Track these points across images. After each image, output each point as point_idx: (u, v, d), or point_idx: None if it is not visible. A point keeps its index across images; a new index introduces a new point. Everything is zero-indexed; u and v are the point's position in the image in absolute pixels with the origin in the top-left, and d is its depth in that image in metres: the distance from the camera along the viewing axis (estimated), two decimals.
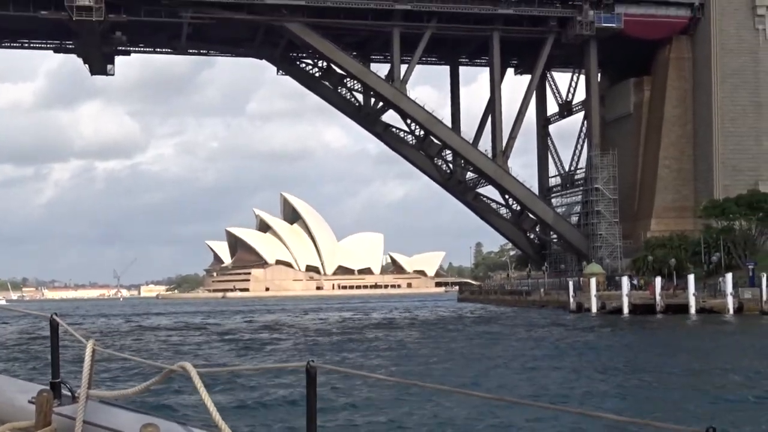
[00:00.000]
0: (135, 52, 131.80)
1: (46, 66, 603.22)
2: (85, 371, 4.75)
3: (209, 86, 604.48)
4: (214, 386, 29.11)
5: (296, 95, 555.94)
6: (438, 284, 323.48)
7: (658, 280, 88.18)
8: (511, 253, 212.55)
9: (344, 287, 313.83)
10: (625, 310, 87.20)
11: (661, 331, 65.85)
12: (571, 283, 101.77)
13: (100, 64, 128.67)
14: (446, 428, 23.20)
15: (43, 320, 5.17)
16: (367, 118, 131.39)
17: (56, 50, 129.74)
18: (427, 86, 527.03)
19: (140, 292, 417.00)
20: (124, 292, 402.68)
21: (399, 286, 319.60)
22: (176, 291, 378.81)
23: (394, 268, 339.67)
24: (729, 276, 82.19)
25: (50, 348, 5.07)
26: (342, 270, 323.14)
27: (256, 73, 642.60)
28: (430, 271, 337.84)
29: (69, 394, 4.90)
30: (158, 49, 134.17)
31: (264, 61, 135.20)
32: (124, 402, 4.85)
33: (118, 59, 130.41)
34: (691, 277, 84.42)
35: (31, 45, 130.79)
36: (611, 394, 30.14)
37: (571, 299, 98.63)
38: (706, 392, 29.78)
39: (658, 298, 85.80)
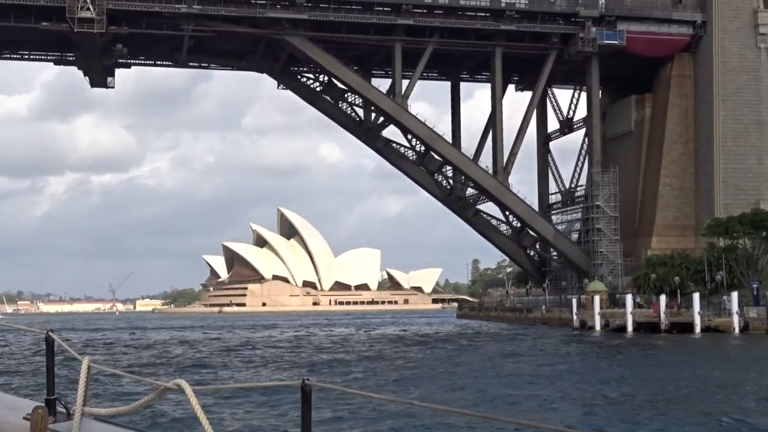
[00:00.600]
0: (135, 64, 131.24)
1: (42, 78, 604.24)
2: (80, 388, 4.67)
3: (205, 100, 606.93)
4: (210, 403, 28.66)
5: (292, 109, 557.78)
6: (435, 300, 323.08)
7: (663, 298, 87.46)
8: (509, 269, 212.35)
9: (341, 303, 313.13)
10: (629, 328, 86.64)
11: (675, 350, 64.63)
12: (574, 301, 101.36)
13: (100, 77, 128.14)
14: None
15: (40, 335, 5.06)
16: (368, 133, 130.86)
17: (56, 62, 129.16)
18: (423, 102, 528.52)
19: (136, 306, 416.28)
20: (120, 306, 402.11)
21: (396, 302, 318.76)
22: (172, 305, 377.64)
23: (391, 284, 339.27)
24: (735, 295, 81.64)
25: (45, 364, 5.03)
26: (339, 286, 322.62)
27: (252, 87, 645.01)
28: (427, 288, 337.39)
29: (64, 411, 4.82)
30: (159, 62, 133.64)
31: (260, 75, 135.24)
32: (120, 419, 4.81)
33: (116, 72, 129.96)
34: (696, 296, 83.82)
35: (32, 57, 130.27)
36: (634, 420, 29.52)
37: (575, 317, 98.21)
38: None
39: (662, 316, 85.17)
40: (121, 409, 4.77)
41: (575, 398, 34.38)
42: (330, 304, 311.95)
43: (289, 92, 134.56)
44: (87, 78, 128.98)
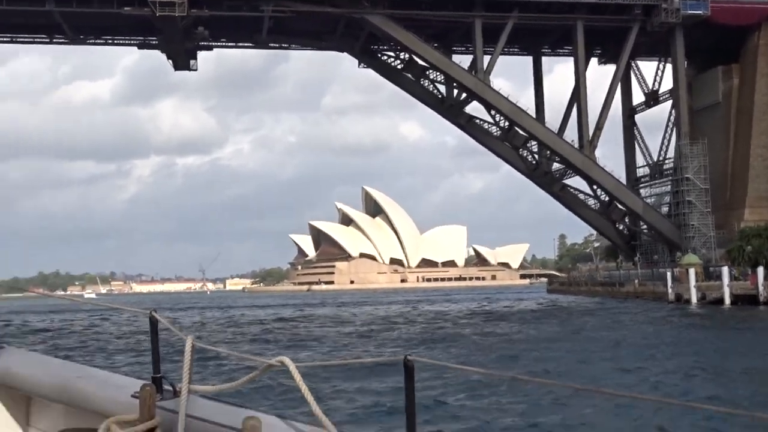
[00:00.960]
0: (217, 47, 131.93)
1: (124, 63, 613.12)
2: (185, 366, 4.76)
3: (284, 81, 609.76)
4: (312, 379, 28.43)
5: (371, 89, 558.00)
6: (523, 276, 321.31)
7: (761, 270, 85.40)
8: (596, 244, 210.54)
9: (428, 280, 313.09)
10: (727, 300, 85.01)
11: None
12: (669, 274, 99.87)
13: (183, 60, 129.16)
14: (547, 424, 22.13)
15: (141, 316, 5.15)
16: (451, 109, 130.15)
17: (140, 46, 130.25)
18: (501, 78, 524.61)
19: (226, 285, 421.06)
20: (210, 286, 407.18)
21: (483, 278, 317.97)
22: (261, 284, 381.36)
23: (478, 260, 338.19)
24: None
25: (150, 344, 5.08)
26: (425, 263, 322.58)
27: (331, 67, 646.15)
28: (515, 264, 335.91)
29: (170, 388, 4.90)
30: (240, 44, 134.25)
31: (338, 55, 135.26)
32: (224, 396, 4.88)
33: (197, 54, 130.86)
34: None
35: (115, 41, 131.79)
36: None
37: (670, 290, 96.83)
38: None
39: (761, 288, 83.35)
40: (226, 386, 4.85)
41: (680, 370, 33.57)
42: (417, 281, 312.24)
43: (366, 71, 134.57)
44: (170, 61, 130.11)
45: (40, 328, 76.24)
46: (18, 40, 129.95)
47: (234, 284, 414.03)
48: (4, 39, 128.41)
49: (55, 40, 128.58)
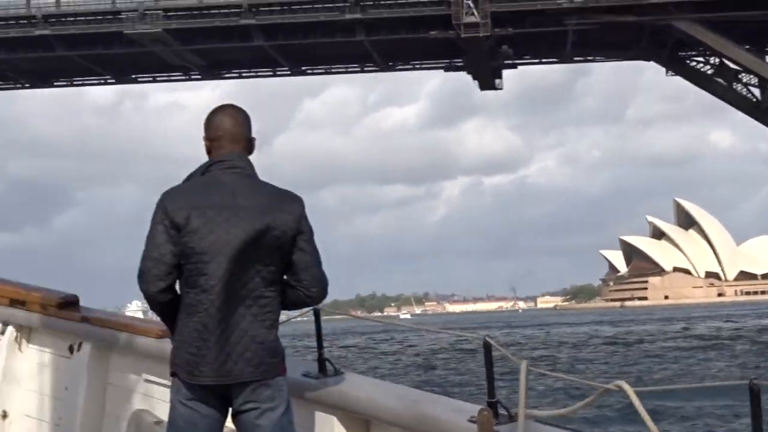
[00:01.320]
0: (521, 64, 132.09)
1: (427, 88, 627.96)
2: (521, 390, 4.74)
3: (587, 95, 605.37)
4: (649, 404, 27.44)
5: (675, 97, 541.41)
6: None
7: None
8: None
9: (747, 293, 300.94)
10: None
11: None
12: None
13: (488, 80, 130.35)
14: None
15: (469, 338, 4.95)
16: (766, 113, 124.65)
17: (446, 69, 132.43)
18: None
19: (536, 303, 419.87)
20: (521, 304, 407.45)
21: None
22: (573, 302, 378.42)
23: None
24: None
25: (485, 369, 5.07)
26: (744, 275, 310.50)
27: (631, 77, 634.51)
28: None
29: (505, 413, 4.93)
30: (544, 60, 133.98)
31: (640, 65, 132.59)
32: (561, 421, 4.93)
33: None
34: None
35: (422, 66, 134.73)
36: None
37: None
38: None
39: None
40: (563, 411, 4.87)
41: None
42: (735, 294, 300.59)
43: (671, 79, 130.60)
44: (476, 82, 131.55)
45: (362, 349, 77.78)
46: (332, 71, 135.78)
47: (545, 302, 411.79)
48: (319, 71, 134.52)
49: (366, 69, 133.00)
